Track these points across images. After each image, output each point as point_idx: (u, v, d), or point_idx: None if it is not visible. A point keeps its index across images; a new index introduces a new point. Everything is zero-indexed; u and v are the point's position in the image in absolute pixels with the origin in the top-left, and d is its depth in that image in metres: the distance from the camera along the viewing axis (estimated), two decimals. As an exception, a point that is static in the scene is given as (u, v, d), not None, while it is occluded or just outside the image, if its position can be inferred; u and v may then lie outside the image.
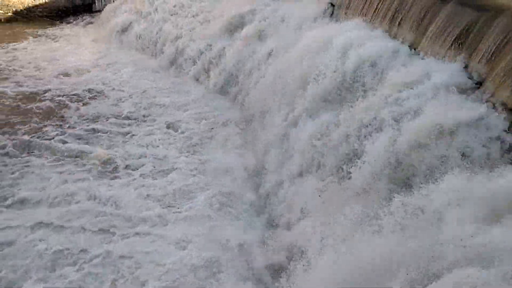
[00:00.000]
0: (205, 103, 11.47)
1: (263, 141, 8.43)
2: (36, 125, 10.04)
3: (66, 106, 11.18)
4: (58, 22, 18.92)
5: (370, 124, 5.64)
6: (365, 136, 5.66)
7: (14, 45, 15.76)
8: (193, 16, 14.25)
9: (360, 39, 7.01)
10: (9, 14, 18.66)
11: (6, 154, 8.72)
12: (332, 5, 9.57)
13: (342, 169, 5.85)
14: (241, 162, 8.60)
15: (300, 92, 7.51)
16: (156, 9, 15.87)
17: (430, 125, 4.78)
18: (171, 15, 15.10)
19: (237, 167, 8.44)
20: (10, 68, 13.55)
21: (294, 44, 8.63)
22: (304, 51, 7.79)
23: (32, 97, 11.58)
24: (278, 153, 7.64)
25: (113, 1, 18.12)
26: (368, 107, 5.90)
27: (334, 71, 6.71)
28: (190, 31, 13.92)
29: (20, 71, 13.40)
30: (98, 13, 18.76)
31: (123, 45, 16.00)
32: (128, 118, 10.68)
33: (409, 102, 5.33)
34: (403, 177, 4.90)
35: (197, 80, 12.71)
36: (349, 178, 5.57)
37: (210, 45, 12.69)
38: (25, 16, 18.85)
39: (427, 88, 5.31)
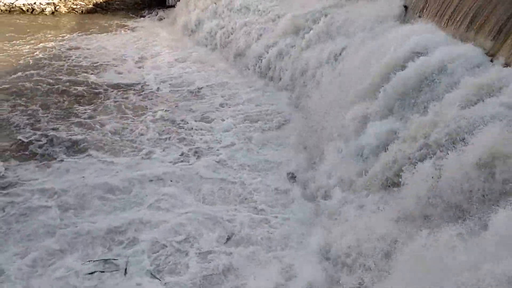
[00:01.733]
0: (268, 99, 11.57)
1: (320, 142, 8.34)
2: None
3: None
4: (133, 15, 19.83)
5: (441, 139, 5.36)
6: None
7: (96, 35, 16.85)
8: (262, 15, 14.36)
9: (434, 43, 6.72)
10: (90, 5, 19.85)
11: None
12: (405, 7, 9.27)
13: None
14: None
15: (366, 95, 7.34)
16: (226, 7, 16.18)
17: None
18: (241, 12, 15.32)
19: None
20: (96, 59, 14.42)
21: (364, 46, 8.46)
22: (373, 54, 7.60)
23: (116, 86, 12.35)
24: (334, 157, 7.48)
25: (186, -3, 18.66)
26: (437, 118, 5.63)
27: (404, 76, 6.49)
28: (259, 29, 14.05)
29: (103, 62, 14.25)
30: (172, 8, 19.42)
31: (194, 41, 16.46)
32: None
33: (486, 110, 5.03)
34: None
35: (263, 77, 12.78)
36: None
37: (277, 44, 12.71)
38: (104, 8, 19.98)
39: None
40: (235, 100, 11.78)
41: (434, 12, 8.11)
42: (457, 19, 7.29)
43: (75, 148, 8.95)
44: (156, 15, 19.58)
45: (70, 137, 9.36)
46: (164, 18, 19.19)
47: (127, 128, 9.91)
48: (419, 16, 8.60)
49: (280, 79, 12.02)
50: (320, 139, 8.23)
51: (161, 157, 8.76)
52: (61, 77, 12.72)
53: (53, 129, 9.69)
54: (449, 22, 7.45)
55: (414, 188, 5.25)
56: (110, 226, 6.67)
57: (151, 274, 5.80)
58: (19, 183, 7.64)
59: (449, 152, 5.05)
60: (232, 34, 14.97)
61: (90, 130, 9.71)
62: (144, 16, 19.80)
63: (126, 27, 18.13)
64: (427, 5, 8.56)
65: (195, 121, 10.47)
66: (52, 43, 15.73)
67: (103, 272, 5.83)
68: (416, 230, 4.85)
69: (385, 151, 6.21)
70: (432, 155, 5.35)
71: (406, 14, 9.14)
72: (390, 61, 6.89)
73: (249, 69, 13.28)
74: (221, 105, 11.47)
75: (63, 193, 7.42)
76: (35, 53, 14.57)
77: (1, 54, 14.36)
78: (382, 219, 5.44)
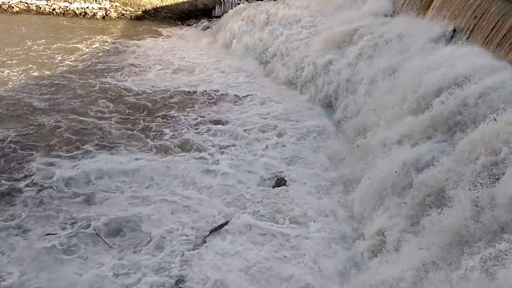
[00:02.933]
0: (306, 113, 11.63)
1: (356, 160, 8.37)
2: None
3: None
4: (179, 23, 20.45)
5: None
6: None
7: (142, 41, 17.55)
8: (304, 28, 14.58)
9: (483, 68, 6.71)
10: (139, 12, 20.61)
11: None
12: (454, 30, 9.25)
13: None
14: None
15: (408, 115, 7.36)
16: (268, 20, 16.50)
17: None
18: (283, 25, 15.57)
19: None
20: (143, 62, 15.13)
21: (409, 65, 8.49)
22: (420, 73, 7.61)
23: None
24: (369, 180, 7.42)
25: (232, 9, 19.14)
26: (482, 141, 5.61)
27: (451, 98, 6.49)
28: (299, 42, 14.24)
29: (147, 66, 14.91)
30: (217, 18, 19.91)
31: (235, 52, 16.78)
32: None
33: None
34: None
35: (301, 90, 12.88)
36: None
37: (319, 58, 12.80)
38: (152, 16, 20.70)
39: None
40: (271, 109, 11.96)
41: (483, 36, 8.08)
42: (506, 45, 7.26)
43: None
44: (202, 25, 20.08)
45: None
46: (209, 28, 19.65)
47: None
48: (467, 39, 8.57)
49: (317, 92, 12.12)
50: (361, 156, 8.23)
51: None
52: (105, 79, 13.37)
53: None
54: (498, 47, 7.42)
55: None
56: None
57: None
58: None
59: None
60: (272, 46, 15.18)
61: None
62: (190, 25, 20.36)
63: (171, 35, 18.73)
64: (475, 29, 8.53)
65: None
66: (98, 44, 16.59)
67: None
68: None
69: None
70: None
71: (454, 36, 9.12)
72: (438, 83, 6.91)
73: (291, 83, 13.40)
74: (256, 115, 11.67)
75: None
76: (85, 54, 15.46)
77: (58, 52, 15.34)
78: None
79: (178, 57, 16.12)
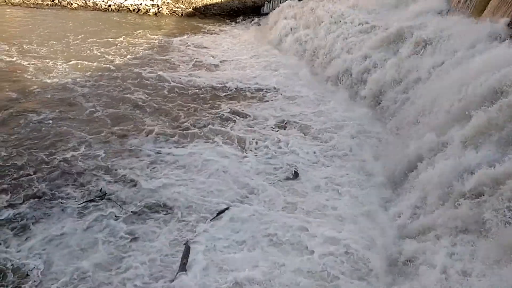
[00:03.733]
0: (354, 113, 11.49)
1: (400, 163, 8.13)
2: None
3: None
4: (228, 20, 20.70)
5: None
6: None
7: (191, 37, 18.03)
8: (353, 26, 14.35)
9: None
10: (190, 9, 21.07)
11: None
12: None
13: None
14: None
15: (462, 117, 7.09)
16: (317, 17, 16.38)
17: None
18: (333, 23, 15.42)
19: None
20: (191, 58, 15.58)
21: (463, 64, 8.20)
22: (475, 74, 7.33)
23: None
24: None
25: (280, 6, 19.17)
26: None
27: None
28: (348, 40, 14.02)
29: (194, 61, 15.35)
30: (265, 16, 20.02)
31: (283, 49, 16.88)
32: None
33: None
34: None
35: (350, 89, 12.72)
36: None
37: (368, 57, 12.60)
38: (202, 13, 21.10)
39: None
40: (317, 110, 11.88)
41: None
42: None
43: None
44: (250, 22, 20.23)
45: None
46: (257, 25, 19.76)
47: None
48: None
49: (366, 91, 11.89)
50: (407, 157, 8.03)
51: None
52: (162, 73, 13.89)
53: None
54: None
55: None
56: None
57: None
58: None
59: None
60: (321, 44, 15.08)
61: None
62: (238, 22, 20.59)
63: (220, 32, 19.11)
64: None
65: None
66: (148, 40, 17.21)
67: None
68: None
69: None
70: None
71: (512, 36, 8.71)
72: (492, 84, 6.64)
73: (338, 81, 13.26)
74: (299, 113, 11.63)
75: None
76: (132, 48, 16.15)
77: (114, 47, 16.20)
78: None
79: (226, 53, 16.45)
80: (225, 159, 8.86)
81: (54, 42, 16.14)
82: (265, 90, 13.04)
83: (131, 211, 7.11)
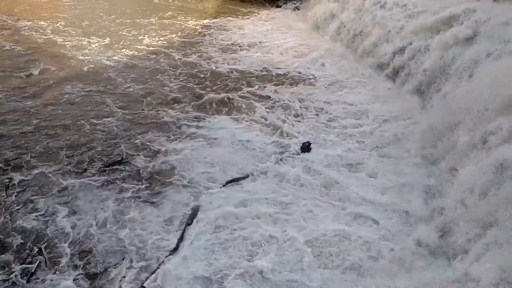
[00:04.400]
0: (394, 103, 10.99)
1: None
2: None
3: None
4: (268, 5, 20.22)
5: None
6: None
7: (231, 21, 17.85)
8: (399, 10, 13.53)
9: None
10: (227, -8, 20.66)
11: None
12: None
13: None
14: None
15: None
16: (362, 1, 15.58)
17: None
18: (376, 7, 14.63)
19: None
20: (230, 42, 15.54)
21: None
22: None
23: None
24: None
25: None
26: None
27: None
28: (393, 26, 13.27)
29: (236, 44, 15.36)
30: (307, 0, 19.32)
31: (324, 34, 16.34)
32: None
33: None
34: None
35: (390, 77, 12.14)
36: None
37: (412, 43, 11.89)
38: (240, -4, 20.66)
39: None
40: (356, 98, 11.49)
41: None
42: None
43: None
44: (292, 6, 19.70)
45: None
46: (299, 9, 19.23)
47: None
48: None
49: (408, 80, 11.24)
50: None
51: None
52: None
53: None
54: None
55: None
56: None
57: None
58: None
59: None
60: (364, 29, 14.43)
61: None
62: (280, 6, 20.14)
63: (260, 15, 18.78)
64: None
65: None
66: (185, 23, 17.13)
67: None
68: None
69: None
70: None
71: None
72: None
73: (381, 67, 12.71)
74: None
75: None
76: (175, 30, 16.16)
77: (166, 30, 16.44)
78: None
79: (266, 37, 16.13)
80: (256, 137, 9.25)
81: (87, 22, 16.72)
82: (303, 75, 12.83)
83: (147, 177, 7.78)
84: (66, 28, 15.94)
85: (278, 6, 20.06)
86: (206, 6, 19.72)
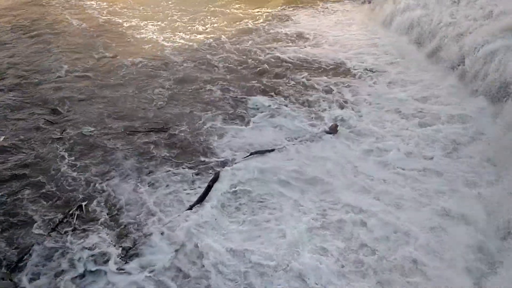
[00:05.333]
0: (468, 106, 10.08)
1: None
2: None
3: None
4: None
5: None
6: None
7: (297, 13, 17.37)
8: (476, 8, 12.36)
9: None
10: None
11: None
12: None
13: None
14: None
15: None
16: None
17: None
18: (451, 3, 13.45)
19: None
20: (295, 34, 15.23)
21: None
22: None
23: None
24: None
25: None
26: None
27: None
28: (470, 24, 12.12)
29: (302, 36, 15.02)
30: (378, -8, 18.21)
31: (392, 30, 15.37)
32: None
33: None
34: None
35: (462, 79, 11.10)
36: None
37: (488, 43, 10.73)
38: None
39: None
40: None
41: None
42: None
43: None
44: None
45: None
46: (369, 2, 18.13)
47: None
48: None
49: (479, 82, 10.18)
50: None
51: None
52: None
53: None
54: None
55: None
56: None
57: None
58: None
59: None
60: (437, 25, 13.32)
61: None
62: (349, -1, 19.09)
63: (329, 8, 18.03)
64: None
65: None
66: (253, 11, 17.01)
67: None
68: None
69: None
70: None
71: None
72: None
73: (453, 69, 11.63)
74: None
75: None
76: (233, 20, 16.39)
77: (222, 18, 16.65)
78: None
79: (332, 30, 15.59)
80: (294, 119, 9.71)
81: (144, 6, 17.48)
82: (370, 70, 12.36)
83: (182, 145, 8.69)
84: (123, 10, 16.97)
85: (347, -1, 19.02)
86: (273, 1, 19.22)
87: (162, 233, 6.49)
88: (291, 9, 17.73)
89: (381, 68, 12.42)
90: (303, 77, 11.69)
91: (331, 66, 12.45)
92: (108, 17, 15.96)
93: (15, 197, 7.05)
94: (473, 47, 11.15)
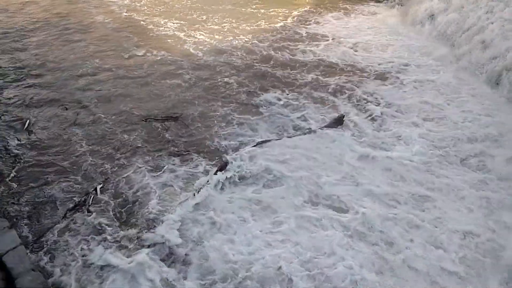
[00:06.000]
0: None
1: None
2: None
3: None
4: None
5: None
6: None
7: (326, 16, 16.97)
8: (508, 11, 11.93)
9: None
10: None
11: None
12: None
13: None
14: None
15: None
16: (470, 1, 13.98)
17: None
18: (490, 6, 12.86)
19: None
20: (332, 35, 15.01)
21: None
22: None
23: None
24: None
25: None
26: None
27: None
28: (501, 28, 11.70)
29: (333, 39, 14.70)
30: (410, -5, 17.63)
31: (425, 33, 14.89)
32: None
33: None
34: None
35: (492, 83, 10.70)
36: None
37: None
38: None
39: None
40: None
41: None
42: None
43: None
44: (392, 2, 18.10)
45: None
46: (399, 5, 17.61)
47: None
48: None
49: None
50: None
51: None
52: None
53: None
54: None
55: None
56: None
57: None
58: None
59: None
60: (471, 28, 12.80)
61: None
62: (380, 1, 18.65)
63: (358, 11, 17.64)
64: None
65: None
66: (278, 16, 16.83)
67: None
68: None
69: None
70: None
71: None
72: None
73: (489, 76, 11.11)
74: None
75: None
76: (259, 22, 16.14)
77: (248, 18, 16.45)
78: None
79: (361, 34, 15.22)
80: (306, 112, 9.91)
81: (162, 7, 17.72)
82: (400, 73, 12.06)
83: (193, 133, 9.07)
84: (143, 8, 17.46)
85: (379, 1, 18.53)
86: (302, 3, 18.87)
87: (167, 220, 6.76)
88: (316, 10, 17.41)
89: (406, 69, 12.14)
90: (315, 76, 11.74)
91: (360, 68, 12.23)
92: (129, 15, 16.42)
93: (38, 179, 7.52)
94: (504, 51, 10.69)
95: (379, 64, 12.56)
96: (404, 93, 10.82)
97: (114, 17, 15.95)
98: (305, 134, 8.95)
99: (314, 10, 17.42)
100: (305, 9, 17.51)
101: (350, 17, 16.82)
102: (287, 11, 17.20)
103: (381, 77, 11.76)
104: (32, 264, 5.44)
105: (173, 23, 15.50)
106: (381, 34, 15.00)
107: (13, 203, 6.95)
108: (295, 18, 16.54)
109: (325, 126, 9.15)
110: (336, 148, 8.45)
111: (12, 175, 7.56)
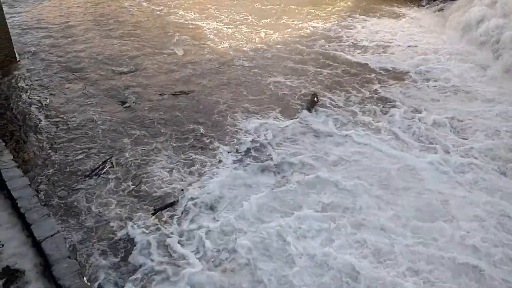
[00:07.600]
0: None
1: None
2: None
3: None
4: (411, 3, 18.52)
5: None
6: None
7: (369, 19, 17.05)
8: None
9: None
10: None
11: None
12: None
13: None
14: None
15: None
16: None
17: None
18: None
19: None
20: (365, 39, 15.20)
21: None
22: None
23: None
24: None
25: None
26: None
27: None
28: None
29: (367, 42, 14.93)
30: (453, 0, 17.12)
31: (468, 39, 14.53)
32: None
33: None
34: None
35: None
36: None
37: None
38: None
39: None
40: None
41: None
42: None
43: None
44: (435, 7, 17.72)
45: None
46: (443, 10, 17.23)
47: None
48: None
49: None
50: None
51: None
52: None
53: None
54: None
55: None
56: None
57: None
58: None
59: None
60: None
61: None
62: (422, 6, 18.29)
63: (399, 15, 17.44)
64: None
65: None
66: (319, 18, 17.01)
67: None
68: None
69: None
70: None
71: None
72: None
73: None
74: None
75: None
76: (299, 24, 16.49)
77: (271, 19, 16.85)
78: None
79: (401, 37, 15.24)
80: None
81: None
82: (442, 82, 12.24)
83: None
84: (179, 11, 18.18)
85: (420, 6, 18.16)
86: (347, 3, 18.75)
87: (182, 190, 7.96)
88: (357, 14, 17.37)
89: (458, 82, 12.10)
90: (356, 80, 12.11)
91: (398, 73, 12.52)
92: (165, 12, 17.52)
93: (65, 150, 9.02)
94: None
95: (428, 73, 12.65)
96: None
97: (152, 16, 16.84)
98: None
99: (355, 14, 17.51)
100: (345, 12, 17.56)
101: (394, 21, 16.76)
102: (321, 12, 17.39)
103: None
104: (68, 251, 5.68)
105: (213, 22, 16.31)
106: (434, 41, 14.93)
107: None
108: (336, 21, 16.73)
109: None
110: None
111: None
